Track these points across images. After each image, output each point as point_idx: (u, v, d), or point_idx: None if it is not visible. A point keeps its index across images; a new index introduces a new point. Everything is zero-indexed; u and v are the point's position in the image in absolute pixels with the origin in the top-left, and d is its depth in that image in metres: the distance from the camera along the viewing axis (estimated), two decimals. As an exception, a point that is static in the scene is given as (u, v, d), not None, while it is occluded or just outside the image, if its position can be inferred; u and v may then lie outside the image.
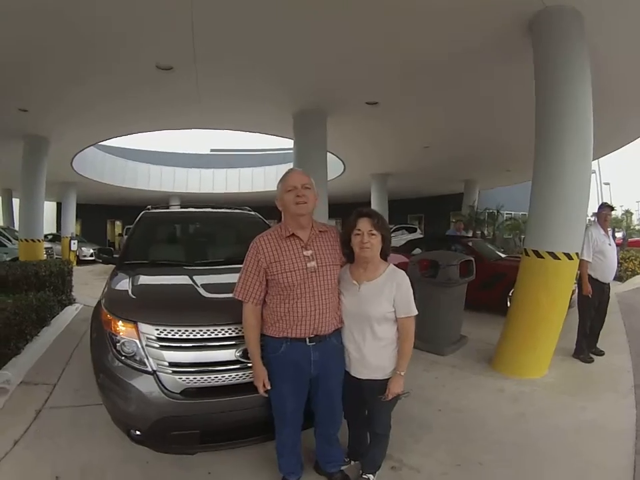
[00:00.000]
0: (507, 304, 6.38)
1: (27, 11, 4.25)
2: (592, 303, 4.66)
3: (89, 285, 9.85)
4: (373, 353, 2.19)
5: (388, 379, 2.19)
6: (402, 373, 2.18)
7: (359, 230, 2.16)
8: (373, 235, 2.14)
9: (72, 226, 17.12)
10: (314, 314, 2.12)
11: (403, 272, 2.26)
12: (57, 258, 11.38)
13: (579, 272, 4.65)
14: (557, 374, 4.18)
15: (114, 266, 3.50)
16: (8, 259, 9.36)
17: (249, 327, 2.17)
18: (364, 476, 2.38)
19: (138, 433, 2.26)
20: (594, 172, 25.00)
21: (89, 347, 4.61)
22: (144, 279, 2.91)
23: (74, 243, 15.20)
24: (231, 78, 6.24)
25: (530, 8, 4.17)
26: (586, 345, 4.68)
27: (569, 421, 3.23)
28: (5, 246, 11.10)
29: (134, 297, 2.61)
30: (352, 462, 2.56)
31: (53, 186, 10.28)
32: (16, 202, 17.70)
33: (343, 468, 2.46)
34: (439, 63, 5.54)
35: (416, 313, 2.20)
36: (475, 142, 10.18)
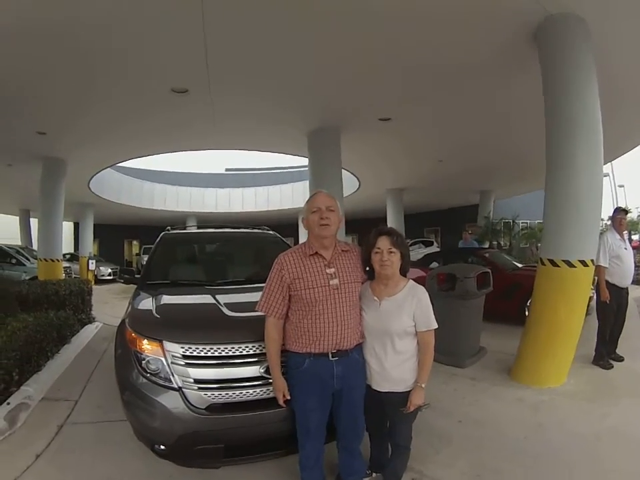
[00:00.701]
0: (525, 314, 6.34)
1: (44, 37, 4.41)
2: (611, 309, 4.62)
3: (109, 303, 10.12)
4: (394, 366, 2.23)
5: (409, 391, 2.23)
6: (423, 385, 2.22)
7: (379, 248, 2.23)
8: (392, 252, 2.21)
9: (90, 245, 17.42)
10: (336, 330, 2.18)
11: (423, 287, 2.32)
12: (75, 277, 11.62)
13: (596, 278, 4.63)
14: (577, 381, 4.16)
15: (134, 286, 3.60)
16: (27, 277, 9.57)
17: (270, 339, 2.23)
18: (385, 487, 2.39)
19: (162, 447, 2.31)
20: (607, 175, 24.61)
21: (109, 365, 4.71)
22: (167, 299, 2.97)
23: (92, 263, 15.53)
24: (245, 99, 6.39)
25: (534, 17, 4.22)
26: (605, 352, 4.64)
27: (589, 428, 3.22)
28: (24, 265, 11.37)
29: (158, 316, 2.69)
30: (374, 474, 2.57)
31: (70, 206, 10.50)
32: (33, 222, 18.15)
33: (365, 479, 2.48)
34: (449, 76, 5.61)
35: (436, 326, 2.24)
36: (489, 153, 10.19)
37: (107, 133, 7.98)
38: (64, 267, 10.58)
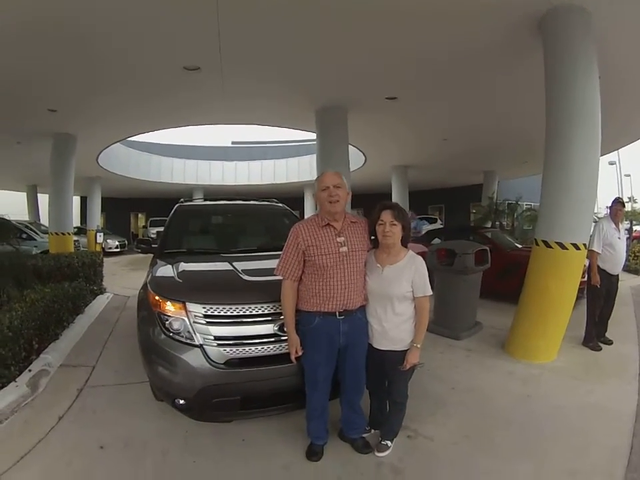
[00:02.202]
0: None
1: (58, 20, 4.48)
2: (600, 293, 4.78)
3: (117, 275, 10.30)
4: (394, 326, 2.50)
5: (406, 351, 2.49)
6: (418, 345, 2.49)
7: (382, 220, 2.48)
8: (394, 225, 2.46)
9: (97, 219, 17.57)
10: (344, 292, 2.44)
11: (421, 258, 2.56)
12: (83, 250, 11.83)
13: (588, 262, 4.80)
14: (566, 359, 4.33)
15: (142, 256, 3.79)
16: (38, 251, 9.78)
17: (286, 299, 2.49)
18: (382, 442, 2.66)
19: (182, 402, 2.54)
20: (614, 163, 24.38)
21: (123, 333, 5.07)
22: (187, 266, 3.16)
23: (100, 236, 15.76)
24: (255, 78, 6.44)
25: (539, 8, 4.29)
26: (595, 334, 4.81)
27: (574, 402, 3.40)
28: (35, 239, 11.51)
29: (181, 280, 2.89)
30: (372, 431, 2.83)
31: (78, 181, 10.53)
32: (41, 197, 18.34)
33: (364, 435, 2.74)
34: (456, 60, 5.67)
35: (430, 293, 2.50)
36: (493, 134, 10.25)
37: (118, 110, 8.05)
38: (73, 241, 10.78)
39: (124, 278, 10.00)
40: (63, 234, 9.88)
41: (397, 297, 2.47)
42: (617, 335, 4.98)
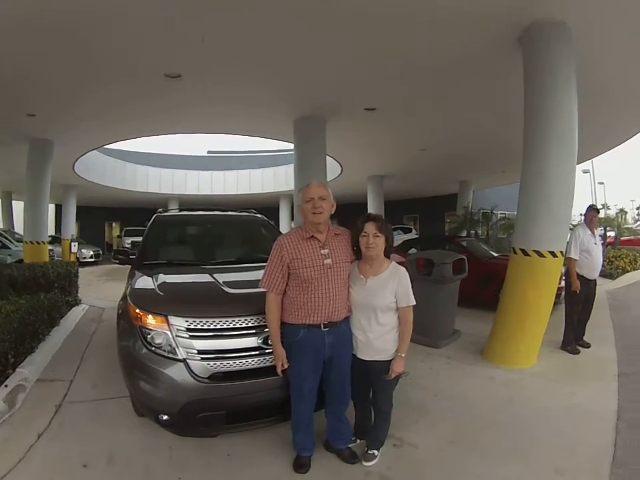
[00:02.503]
0: (499, 300, 6.69)
1: (38, 24, 4.41)
2: (579, 298, 4.92)
3: (92, 285, 10.11)
4: (378, 337, 2.52)
5: (390, 360, 2.52)
6: (403, 355, 2.52)
7: (365, 232, 2.51)
8: (377, 236, 2.50)
9: (72, 228, 17.19)
10: (329, 304, 2.46)
11: (404, 268, 2.61)
12: (57, 259, 11.53)
13: (565, 269, 4.93)
14: (545, 364, 4.44)
15: (118, 267, 3.73)
16: (12, 260, 9.50)
17: (271, 312, 2.49)
18: (369, 452, 2.66)
19: (166, 417, 2.48)
20: (587, 172, 25.20)
21: (100, 346, 4.96)
22: (167, 277, 3.14)
23: (74, 245, 15.38)
24: (236, 86, 6.45)
25: (521, 20, 4.41)
26: (573, 338, 4.94)
27: (556, 404, 3.49)
28: (9, 248, 11.21)
29: (162, 293, 2.85)
30: (358, 440, 2.84)
31: (53, 188, 10.26)
32: (15, 204, 17.73)
33: (350, 445, 2.74)
34: (435, 70, 5.77)
35: (414, 303, 2.54)
36: (470, 144, 10.43)
37: (98, 116, 7.93)
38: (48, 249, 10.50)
39: (99, 289, 9.83)
40: (38, 243, 9.64)
41: (380, 307, 2.50)
42: (594, 338, 5.12)
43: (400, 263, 2.74)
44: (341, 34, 4.80)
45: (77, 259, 14.91)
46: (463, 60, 5.45)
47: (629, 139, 10.39)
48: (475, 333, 5.55)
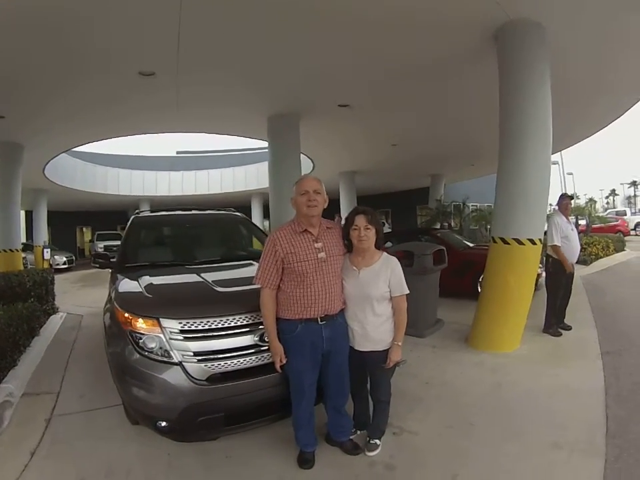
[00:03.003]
0: (477, 289, 6.78)
1: (10, 24, 4.27)
2: (561, 283, 5.10)
3: (68, 292, 9.82)
4: (374, 328, 2.57)
5: (387, 350, 2.57)
6: (399, 343, 2.59)
7: (356, 225, 2.54)
8: (368, 229, 2.53)
9: (44, 234, 16.61)
10: (325, 297, 2.47)
11: (395, 258, 2.66)
12: (31, 267, 11.17)
13: (544, 257, 5.12)
14: (529, 347, 4.58)
15: (93, 272, 3.65)
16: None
17: (266, 308, 2.48)
18: (371, 442, 2.71)
19: (164, 424, 2.41)
20: (556, 163, 26.10)
21: (82, 354, 4.87)
22: (154, 279, 3.05)
23: (47, 252, 14.91)
24: (210, 85, 6.39)
25: (496, 20, 4.51)
26: (555, 321, 5.10)
27: (545, 385, 3.62)
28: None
29: (150, 295, 2.78)
30: (358, 432, 2.88)
31: (23, 194, 9.96)
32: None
33: (351, 437, 2.78)
34: (409, 68, 5.84)
35: (407, 291, 2.61)
36: (441, 139, 10.60)
37: (69, 117, 7.72)
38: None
39: (76, 295, 9.59)
40: (12, 250, 9.36)
41: (375, 298, 2.54)
42: (574, 321, 5.29)
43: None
44: (315, 34, 4.83)
45: (50, 265, 14.50)
46: (436, 60, 5.55)
47: (595, 132, 10.85)
48: (456, 321, 5.69)
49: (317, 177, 2.66)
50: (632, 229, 22.49)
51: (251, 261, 3.58)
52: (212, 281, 2.96)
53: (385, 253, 2.67)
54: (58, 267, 15.69)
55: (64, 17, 4.24)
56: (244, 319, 2.58)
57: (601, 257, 11.71)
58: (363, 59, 5.55)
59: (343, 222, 2.72)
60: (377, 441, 2.72)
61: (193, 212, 4.88)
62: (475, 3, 4.22)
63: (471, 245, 8.79)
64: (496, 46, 4.82)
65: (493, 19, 4.49)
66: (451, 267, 5.96)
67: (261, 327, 2.57)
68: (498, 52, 4.79)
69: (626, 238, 16.20)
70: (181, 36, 4.68)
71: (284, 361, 2.48)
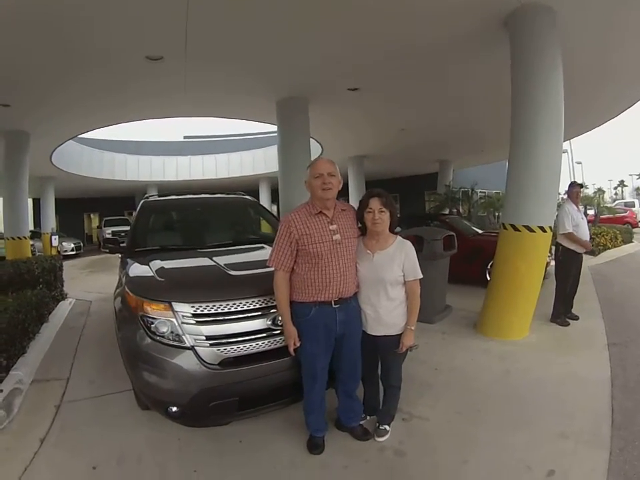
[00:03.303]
0: (486, 276, 6.80)
1: (13, 13, 4.21)
2: (570, 272, 5.07)
3: (76, 279, 9.87)
4: (388, 312, 2.54)
5: (399, 335, 2.55)
6: (412, 328, 2.56)
7: (371, 208, 2.50)
8: (382, 212, 2.50)
9: (52, 221, 16.69)
10: (339, 280, 2.44)
11: (410, 242, 2.63)
12: (39, 254, 11.25)
13: (553, 245, 5.07)
14: (537, 336, 4.57)
15: (101, 257, 3.63)
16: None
17: (280, 291, 2.45)
18: (381, 427, 2.71)
19: (175, 409, 2.40)
20: (565, 151, 25.80)
21: (92, 340, 4.92)
22: (165, 263, 3.02)
23: (55, 239, 15.00)
24: (218, 69, 6.31)
25: (507, 6, 4.44)
26: (563, 310, 5.08)
27: (552, 374, 3.61)
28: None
29: (162, 279, 2.75)
30: (368, 417, 2.89)
31: (30, 181, 9.99)
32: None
33: (361, 422, 2.78)
34: (419, 52, 5.75)
35: (421, 276, 2.57)
36: (450, 125, 10.47)
37: (76, 104, 7.66)
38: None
39: (84, 281, 9.64)
40: (20, 238, 9.42)
41: (389, 281, 2.50)
42: (582, 311, 5.26)
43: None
44: (325, 18, 4.76)
45: (59, 252, 14.60)
46: (448, 44, 5.45)
47: (603, 122, 10.76)
48: (465, 308, 5.67)
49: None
50: (640, 221, 22.16)
51: (263, 244, 3.56)
52: (224, 264, 2.94)
53: (399, 237, 2.63)
54: (66, 253, 15.80)
55: (72, 3, 4.17)
56: (257, 303, 2.56)
57: (609, 248, 11.58)
58: (373, 44, 5.46)
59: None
60: (387, 427, 2.72)
61: (203, 196, 4.85)
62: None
63: (480, 231, 8.73)
64: (507, 32, 4.73)
65: (504, 4, 4.41)
66: (460, 253, 5.93)
67: (273, 310, 2.56)
68: (510, 36, 4.69)
69: (634, 230, 15.98)
70: (189, 19, 4.59)
71: (297, 345, 2.45)
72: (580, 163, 29.30)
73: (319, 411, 2.59)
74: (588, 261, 9.13)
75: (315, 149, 12.94)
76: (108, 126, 10.10)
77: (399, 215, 2.62)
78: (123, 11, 4.42)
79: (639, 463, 2.39)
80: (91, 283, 9.18)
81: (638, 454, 2.47)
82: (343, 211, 2.60)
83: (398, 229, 8.47)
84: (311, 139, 10.20)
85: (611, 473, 2.32)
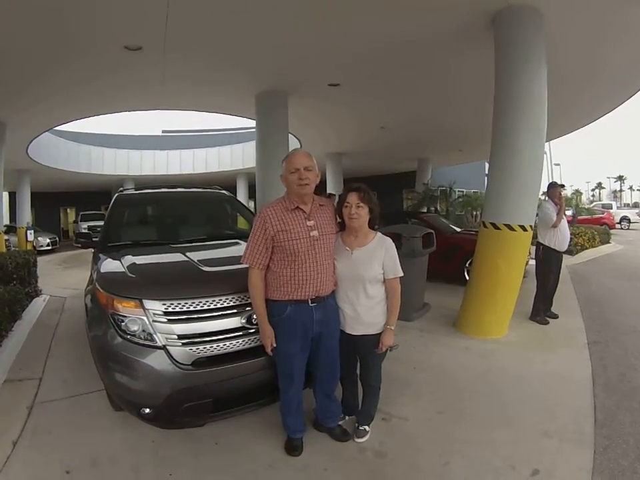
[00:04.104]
0: (464, 274, 6.85)
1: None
2: (550, 269, 5.15)
3: (51, 275, 9.63)
4: (367, 310, 2.49)
5: (379, 334, 2.51)
6: (392, 327, 2.51)
7: (348, 203, 2.44)
8: (360, 207, 2.42)
9: (27, 215, 16.27)
10: (317, 277, 2.37)
11: (390, 239, 2.56)
12: (14, 249, 10.94)
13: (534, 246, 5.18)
14: (517, 334, 4.61)
15: (76, 252, 3.52)
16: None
17: (255, 289, 2.37)
18: (360, 428, 2.68)
19: (148, 410, 2.31)
20: (545, 153, 26.46)
21: (66, 338, 4.78)
22: (137, 259, 2.93)
23: (30, 233, 14.64)
24: (197, 60, 6.17)
25: (494, 5, 4.44)
26: (542, 309, 5.15)
27: (533, 372, 3.65)
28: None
29: (133, 275, 2.66)
30: (347, 417, 2.84)
31: (6, 174, 9.73)
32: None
33: (340, 423, 2.74)
34: (401, 49, 5.71)
35: (402, 274, 2.51)
36: (430, 123, 10.52)
37: (53, 94, 7.43)
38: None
39: (59, 277, 9.41)
40: (-6, 232, 9.12)
41: (368, 279, 2.45)
42: (561, 310, 5.35)
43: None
44: (307, 12, 4.68)
45: (34, 247, 14.25)
46: (432, 41, 5.42)
47: (583, 126, 10.99)
48: (443, 306, 5.70)
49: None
50: (617, 223, 22.73)
51: (238, 240, 3.50)
52: (197, 260, 2.85)
53: (380, 233, 2.57)
54: (42, 248, 15.52)
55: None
56: (231, 300, 2.48)
57: (586, 248, 11.84)
58: (354, 40, 5.40)
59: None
60: (366, 427, 2.69)
61: (178, 190, 4.76)
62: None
63: (458, 229, 8.80)
64: (493, 29, 4.73)
65: (491, 2, 4.40)
66: (439, 251, 5.96)
67: (248, 308, 2.48)
68: (495, 35, 4.70)
69: (611, 231, 16.40)
70: (170, 7, 4.45)
71: (274, 344, 2.38)
72: (558, 164, 30.04)
73: (296, 411, 2.53)
74: (566, 261, 9.26)
75: (294, 145, 12.84)
76: (85, 117, 9.83)
77: (379, 211, 2.56)
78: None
79: (623, 461, 2.42)
80: (65, 279, 8.98)
81: (622, 452, 2.49)
82: (321, 207, 2.52)
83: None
84: (290, 134, 10.14)
85: (596, 471, 2.34)
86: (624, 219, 23.84)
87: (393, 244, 2.55)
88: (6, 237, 10.72)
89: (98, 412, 3.00)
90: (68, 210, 26.40)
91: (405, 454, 2.54)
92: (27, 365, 4.00)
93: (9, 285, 5.49)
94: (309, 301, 2.38)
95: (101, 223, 4.40)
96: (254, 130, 8.57)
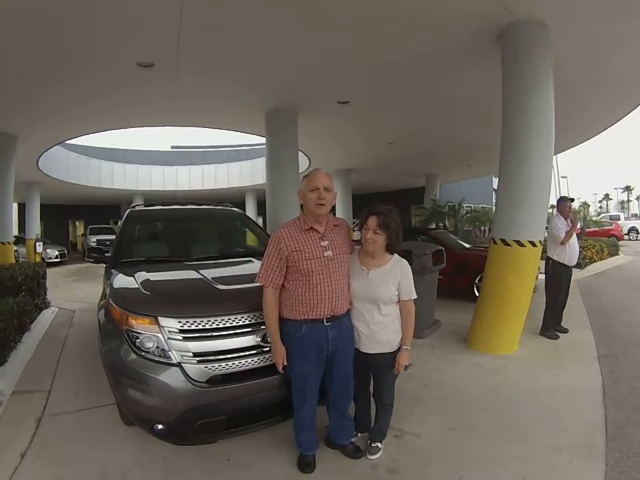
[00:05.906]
0: (474, 290, 6.83)
1: (11, 10, 4.14)
2: (560, 285, 5.12)
3: (60, 287, 9.70)
4: (381, 329, 2.49)
5: (393, 352, 2.50)
6: (408, 347, 2.50)
7: (367, 226, 2.45)
8: (377, 233, 2.42)
9: (36, 227, 16.38)
10: (331, 297, 2.38)
11: (406, 261, 2.57)
12: (23, 261, 11.03)
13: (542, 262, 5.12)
14: (527, 349, 4.58)
15: (84, 266, 3.55)
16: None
17: (269, 308, 2.38)
18: (373, 445, 2.66)
19: (161, 427, 2.31)
20: (552, 166, 26.48)
21: (74, 351, 4.80)
22: (151, 275, 2.95)
23: (39, 245, 14.71)
24: (209, 77, 6.27)
25: (500, 20, 4.48)
26: (552, 324, 5.11)
27: (544, 386, 3.63)
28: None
29: (148, 292, 2.67)
30: (359, 434, 2.83)
31: (15, 186, 9.86)
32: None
33: (352, 440, 2.72)
34: (409, 66, 5.78)
35: (416, 296, 2.51)
36: (438, 138, 10.55)
37: (64, 107, 7.54)
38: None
39: (68, 290, 9.44)
40: (4, 244, 9.24)
41: (383, 299, 2.46)
42: (570, 324, 5.31)
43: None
44: (316, 30, 4.77)
45: (42, 259, 14.32)
46: (439, 58, 5.50)
47: (588, 138, 10.93)
48: (454, 322, 5.66)
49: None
50: (625, 234, 22.62)
51: (251, 258, 3.51)
52: (212, 278, 2.86)
53: (397, 255, 2.57)
54: (50, 260, 15.56)
55: (64, 6, 4.12)
56: (246, 319, 2.49)
57: (595, 261, 11.73)
58: (363, 57, 5.48)
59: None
60: (379, 444, 2.67)
61: (190, 206, 4.77)
62: (481, 3, 4.18)
63: (468, 245, 8.77)
64: (499, 45, 4.78)
65: (498, 18, 4.44)
66: (448, 267, 5.95)
67: (263, 327, 2.48)
68: (502, 50, 4.74)
69: (620, 242, 16.28)
70: (182, 26, 4.56)
71: (285, 363, 2.39)
72: (565, 177, 30.02)
73: (309, 429, 2.52)
74: (575, 274, 9.20)
75: (303, 162, 12.98)
76: (95, 132, 9.99)
77: (401, 237, 2.54)
78: (114, 16, 4.38)
79: (636, 473, 2.39)
80: (74, 292, 9.02)
81: (634, 465, 2.47)
82: (335, 227, 2.54)
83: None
84: (299, 151, 10.24)
85: (608, 484, 2.30)
86: (632, 229, 23.81)
87: (409, 266, 2.55)
88: (15, 248, 10.81)
89: (108, 426, 2.99)
90: (77, 223, 26.66)
91: (417, 470, 2.52)
92: (35, 377, 3.98)
93: (17, 296, 5.50)
94: (324, 320, 2.39)
95: (110, 237, 4.43)
96: (263, 147, 8.65)
